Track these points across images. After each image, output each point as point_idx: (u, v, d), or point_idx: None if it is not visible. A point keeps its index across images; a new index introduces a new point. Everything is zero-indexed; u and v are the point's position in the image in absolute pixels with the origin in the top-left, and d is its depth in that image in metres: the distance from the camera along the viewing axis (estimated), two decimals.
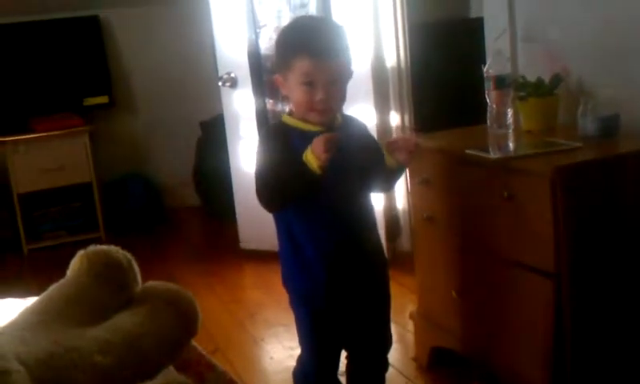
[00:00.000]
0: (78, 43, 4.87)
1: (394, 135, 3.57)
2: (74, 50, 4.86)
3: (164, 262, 4.14)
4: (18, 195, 4.57)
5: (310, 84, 1.86)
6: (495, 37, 2.75)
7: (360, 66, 2.94)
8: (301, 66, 1.86)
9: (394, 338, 2.82)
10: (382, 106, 3.61)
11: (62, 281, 1.43)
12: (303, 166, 1.82)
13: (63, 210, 4.81)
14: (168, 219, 5.06)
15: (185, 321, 1.39)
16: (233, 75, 3.92)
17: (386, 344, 2.15)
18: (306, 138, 1.90)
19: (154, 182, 5.13)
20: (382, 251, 2.11)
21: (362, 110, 3.41)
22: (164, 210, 5.12)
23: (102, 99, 4.91)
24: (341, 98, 1.93)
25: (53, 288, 1.41)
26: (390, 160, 2.00)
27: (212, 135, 4.68)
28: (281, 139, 1.93)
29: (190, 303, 1.42)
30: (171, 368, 1.41)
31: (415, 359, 2.67)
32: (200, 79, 5.01)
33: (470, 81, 2.61)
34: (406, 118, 3.62)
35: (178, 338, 1.36)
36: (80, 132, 4.64)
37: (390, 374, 2.52)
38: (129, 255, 1.48)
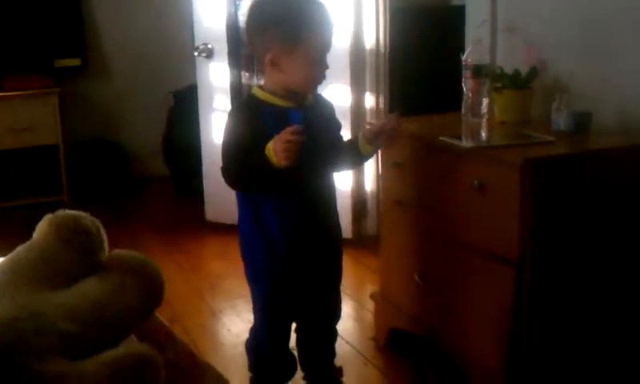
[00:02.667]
0: (52, 2, 4.75)
1: (370, 118, 3.56)
2: (48, 9, 4.74)
3: (126, 229, 4.09)
4: None
5: (316, 62, 1.88)
6: (476, 26, 2.74)
7: (339, 45, 2.91)
8: (316, 40, 1.86)
9: (354, 316, 2.91)
10: (357, 86, 3.60)
11: (28, 243, 1.41)
12: (265, 157, 1.82)
13: (28, 170, 4.72)
14: (134, 188, 4.99)
15: (150, 290, 1.38)
16: (209, 46, 3.86)
17: (336, 314, 2.20)
18: (279, 114, 1.92)
19: (122, 149, 5.05)
20: (339, 227, 2.14)
21: (337, 89, 3.40)
22: (131, 178, 5.05)
23: (75, 61, 4.82)
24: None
25: (19, 250, 1.39)
26: (364, 146, 2.03)
27: (184, 106, 4.63)
28: (251, 117, 1.92)
29: (156, 273, 1.41)
30: (132, 336, 1.39)
31: (374, 339, 2.68)
32: (175, 48, 4.95)
33: (447, 68, 2.60)
34: (381, 100, 3.61)
35: (143, 308, 1.34)
36: (50, 93, 4.55)
37: (349, 353, 2.58)
38: (97, 221, 1.46)
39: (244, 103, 2.04)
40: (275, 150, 1.78)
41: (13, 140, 4.50)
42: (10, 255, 1.39)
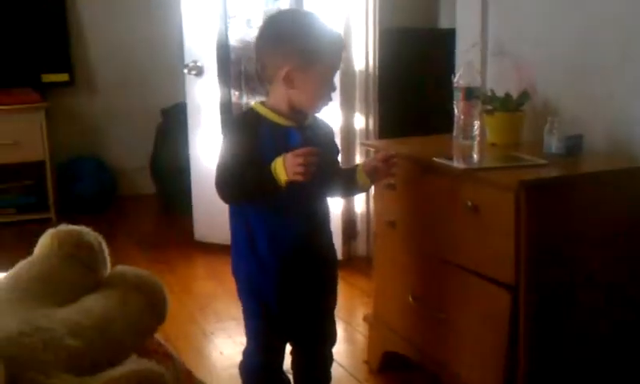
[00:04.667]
0: (40, 17, 4.74)
1: (360, 139, 3.58)
2: (36, 23, 4.73)
3: (114, 248, 3.90)
4: None
5: (329, 82, 1.91)
6: (466, 49, 2.77)
7: None
8: (332, 60, 1.90)
9: (346, 339, 2.90)
10: (347, 107, 3.61)
11: (30, 259, 1.40)
12: (269, 173, 1.82)
13: (14, 187, 4.67)
14: (121, 206, 4.96)
15: (154, 307, 1.37)
16: (199, 64, 3.86)
17: (331, 338, 2.18)
18: (276, 131, 1.91)
19: (109, 166, 5.02)
20: (334, 249, 2.13)
21: (326, 110, 3.40)
22: (117, 195, 5.03)
23: (62, 77, 4.81)
24: None
25: (21, 266, 1.38)
26: (364, 179, 2.03)
27: (172, 123, 4.61)
28: (250, 131, 1.91)
29: (159, 290, 1.40)
30: (133, 355, 1.37)
31: (367, 362, 2.67)
32: (164, 65, 4.93)
33: (437, 90, 2.63)
34: (371, 121, 3.63)
35: (147, 325, 1.34)
36: (36, 108, 4.51)
37: (341, 375, 2.56)
38: (100, 237, 1.45)
39: (243, 117, 2.04)
40: (288, 164, 1.78)
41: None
42: (10, 271, 1.38)
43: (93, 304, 1.28)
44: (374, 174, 2.03)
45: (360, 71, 3.62)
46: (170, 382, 1.20)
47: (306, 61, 1.87)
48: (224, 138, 1.95)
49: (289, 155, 1.80)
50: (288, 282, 1.98)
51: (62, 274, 1.34)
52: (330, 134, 2.09)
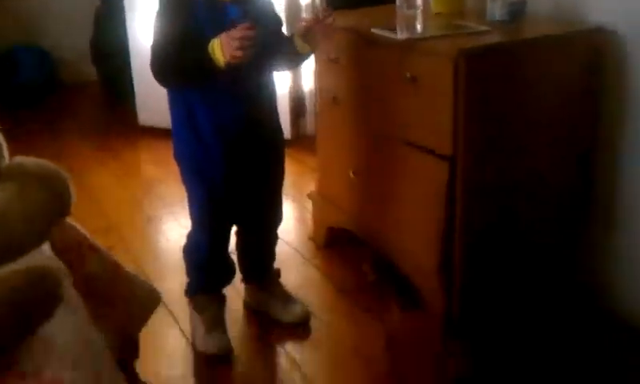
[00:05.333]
0: None
1: (305, 14, 3.45)
2: None
3: (55, 137, 3.96)
4: None
5: None
6: None
7: None
8: None
9: (293, 215, 2.90)
10: None
11: None
12: (207, 54, 1.74)
13: None
14: (63, 94, 4.80)
15: (55, 198, 1.28)
16: None
17: (277, 219, 2.17)
18: (213, 7, 1.83)
19: (48, 54, 4.83)
20: (280, 129, 2.09)
21: None
22: (58, 83, 4.86)
23: None
24: None
25: None
26: (301, 44, 1.95)
27: (111, 5, 4.38)
28: (185, 8, 1.81)
29: (60, 179, 1.30)
30: (46, 250, 1.33)
31: (312, 239, 2.67)
32: None
33: None
34: None
35: (47, 216, 1.25)
36: None
37: (288, 253, 2.57)
38: None
39: None
40: (224, 46, 1.71)
41: None
42: None
43: None
44: (311, 36, 1.93)
45: None
46: (64, 278, 1.15)
47: None
48: (157, 16, 1.85)
49: (224, 36, 1.72)
50: (233, 165, 1.95)
51: None
52: (270, 5, 2.00)
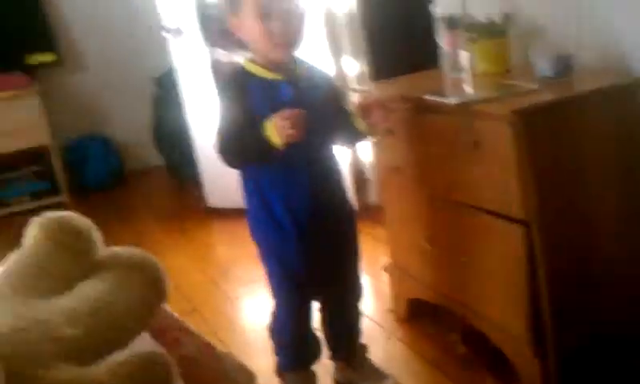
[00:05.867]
0: None
1: (354, 83, 3.53)
2: (12, 4, 4.61)
3: (128, 222, 4.06)
4: None
5: (266, 16, 1.80)
6: None
7: (311, 11, 2.87)
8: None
9: (370, 290, 2.86)
10: (336, 53, 3.50)
11: (19, 251, 1.35)
12: (264, 135, 1.78)
13: (24, 174, 4.65)
14: (131, 180, 4.93)
15: (152, 285, 1.30)
16: (176, 25, 3.72)
17: (358, 291, 2.17)
18: (267, 88, 1.87)
19: (112, 142, 4.98)
20: (349, 203, 2.11)
21: (316, 57, 3.36)
22: (126, 170, 4.99)
23: (48, 57, 4.71)
24: (299, 33, 1.87)
25: (10, 260, 1.33)
26: (361, 124, 1.97)
27: (167, 90, 4.48)
28: (241, 91, 1.87)
29: (155, 267, 1.31)
30: (145, 336, 1.35)
31: (392, 311, 2.63)
32: (148, 32, 4.65)
33: (423, 22, 2.57)
34: (360, 64, 3.51)
35: (148, 304, 1.28)
36: (30, 93, 4.41)
37: (370, 327, 2.54)
38: (88, 220, 1.39)
39: (232, 76, 2.01)
40: (277, 126, 1.75)
41: (1, 145, 4.37)
42: (1, 268, 1.33)
43: (88, 289, 1.23)
44: (368, 116, 1.96)
45: (344, 14, 3.50)
46: (172, 362, 1.16)
47: (233, 6, 1.85)
48: (219, 102, 1.91)
49: (277, 118, 1.76)
50: (308, 245, 1.97)
51: (53, 263, 1.28)
52: (326, 82, 2.03)
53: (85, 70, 5.00)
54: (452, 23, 2.17)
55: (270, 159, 1.85)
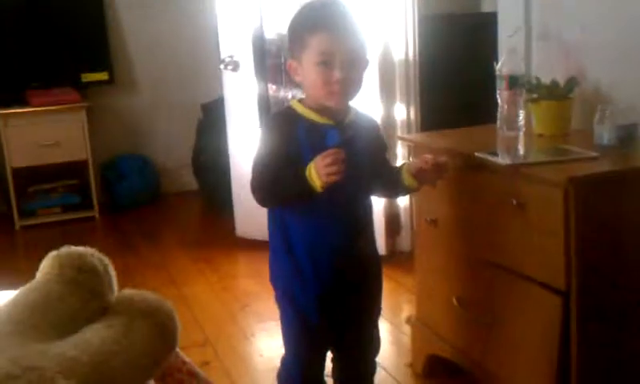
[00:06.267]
0: (79, 16, 4.76)
1: (401, 131, 3.47)
2: (75, 23, 4.75)
3: (156, 245, 4.06)
4: (12, 170, 4.49)
5: (326, 63, 1.76)
6: (509, 34, 2.64)
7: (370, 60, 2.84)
8: (318, 42, 1.76)
9: (389, 339, 2.81)
10: (387, 99, 3.50)
11: (29, 285, 1.31)
12: (304, 178, 1.73)
13: (58, 187, 4.72)
14: (164, 202, 4.97)
15: (162, 335, 1.26)
16: (235, 58, 3.80)
17: (375, 347, 2.09)
18: (313, 130, 1.83)
19: (151, 163, 5.04)
20: (377, 253, 2.04)
21: (367, 102, 3.31)
22: (160, 192, 5.04)
23: (102, 76, 4.82)
24: (358, 82, 1.83)
25: (19, 293, 1.29)
26: (408, 178, 1.91)
27: (213, 119, 4.56)
28: (285, 131, 1.83)
29: (169, 316, 1.29)
30: (151, 382, 1.31)
31: (411, 366, 2.57)
32: (202, 60, 4.93)
33: (480, 78, 2.51)
34: (412, 112, 3.52)
35: (155, 354, 1.23)
36: (77, 108, 4.55)
37: (385, 379, 2.48)
38: (105, 259, 1.34)
39: (280, 115, 1.96)
40: (318, 169, 1.70)
41: (42, 156, 4.50)
42: (8, 299, 1.30)
43: (92, 336, 1.18)
44: (422, 176, 1.89)
45: (400, 61, 3.50)
46: None
47: (296, 49, 1.82)
48: (260, 137, 1.87)
49: (317, 158, 1.72)
50: (328, 294, 1.89)
51: (63, 301, 1.24)
52: (373, 130, 1.99)
53: (135, 90, 5.10)
54: (513, 82, 2.14)
55: (304, 203, 1.80)
